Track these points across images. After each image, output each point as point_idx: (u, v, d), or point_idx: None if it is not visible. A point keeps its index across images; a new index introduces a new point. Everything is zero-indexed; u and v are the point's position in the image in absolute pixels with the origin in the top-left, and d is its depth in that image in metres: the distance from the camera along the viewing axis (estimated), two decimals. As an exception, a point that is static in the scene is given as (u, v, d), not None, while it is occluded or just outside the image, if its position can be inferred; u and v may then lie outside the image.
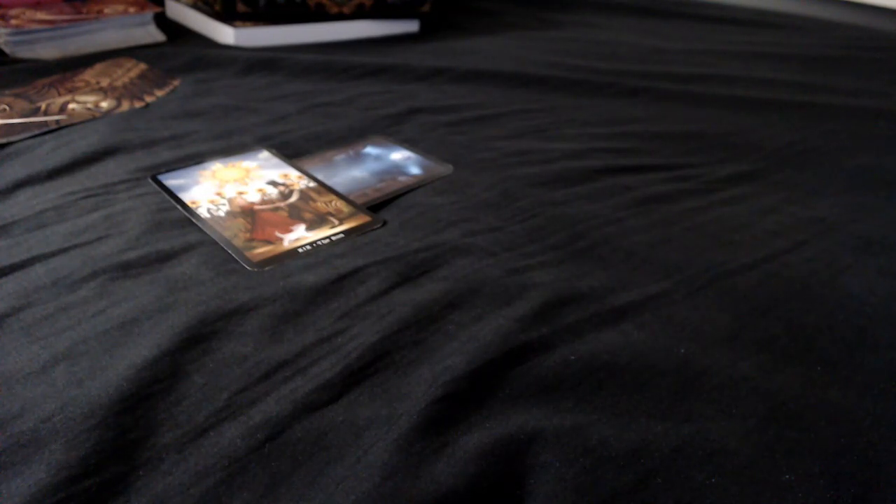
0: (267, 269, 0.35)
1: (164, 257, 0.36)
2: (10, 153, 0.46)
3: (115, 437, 0.25)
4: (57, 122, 0.50)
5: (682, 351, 0.31)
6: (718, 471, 0.25)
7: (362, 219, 0.41)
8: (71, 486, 0.23)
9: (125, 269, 0.34)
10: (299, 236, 0.38)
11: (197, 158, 0.47)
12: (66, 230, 0.38)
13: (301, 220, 0.40)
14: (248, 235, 0.38)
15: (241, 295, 0.33)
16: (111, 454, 0.25)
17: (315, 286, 0.34)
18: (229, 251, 0.36)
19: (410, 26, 0.84)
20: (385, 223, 0.40)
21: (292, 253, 0.37)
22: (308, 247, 0.37)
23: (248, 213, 0.40)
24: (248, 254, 0.36)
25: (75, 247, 0.36)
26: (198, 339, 0.30)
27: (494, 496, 0.24)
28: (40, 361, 0.28)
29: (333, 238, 0.38)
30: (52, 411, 0.26)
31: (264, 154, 0.48)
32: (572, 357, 0.30)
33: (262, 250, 0.37)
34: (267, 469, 0.24)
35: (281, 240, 0.38)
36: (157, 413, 0.26)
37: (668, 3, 1.10)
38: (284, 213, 0.40)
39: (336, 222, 0.40)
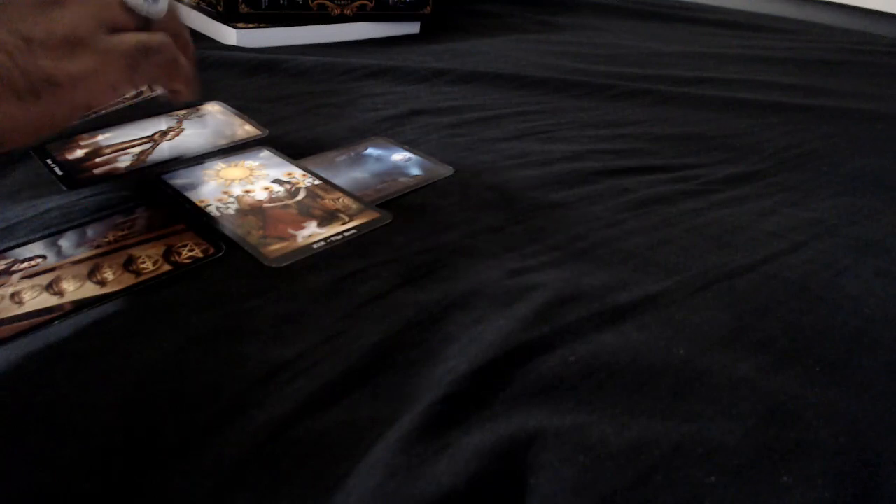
0: (284, 264, 0.36)
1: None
2: (18, 152, 0.46)
3: (118, 438, 0.25)
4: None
5: (682, 351, 0.31)
6: (717, 470, 0.25)
7: (371, 215, 0.41)
8: (73, 489, 0.23)
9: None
10: (312, 233, 0.39)
11: (200, 158, 0.47)
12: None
13: (311, 217, 0.40)
14: (261, 233, 0.38)
15: (243, 294, 0.33)
16: (114, 455, 0.25)
17: (316, 286, 0.34)
18: (244, 248, 0.37)
19: (411, 28, 0.85)
20: (394, 218, 0.41)
21: (307, 249, 0.37)
22: (322, 243, 0.38)
23: (258, 211, 0.40)
24: (263, 250, 0.37)
25: (78, 246, 0.36)
26: (200, 339, 0.30)
27: (495, 495, 0.24)
28: (42, 362, 0.29)
29: (346, 234, 0.39)
30: (55, 415, 0.26)
31: (265, 153, 0.48)
32: (572, 357, 0.30)
33: (276, 247, 0.37)
34: (269, 469, 0.25)
35: (294, 236, 0.38)
36: (159, 413, 0.26)
37: (667, 6, 1.11)
38: (294, 211, 0.41)
39: (346, 218, 0.40)
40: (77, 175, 0.43)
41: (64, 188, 0.42)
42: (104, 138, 0.48)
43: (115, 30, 0.33)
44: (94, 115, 0.50)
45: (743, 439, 0.27)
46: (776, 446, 0.27)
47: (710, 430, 0.27)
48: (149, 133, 0.48)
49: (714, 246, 0.41)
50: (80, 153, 0.46)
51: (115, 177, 0.44)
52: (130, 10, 0.35)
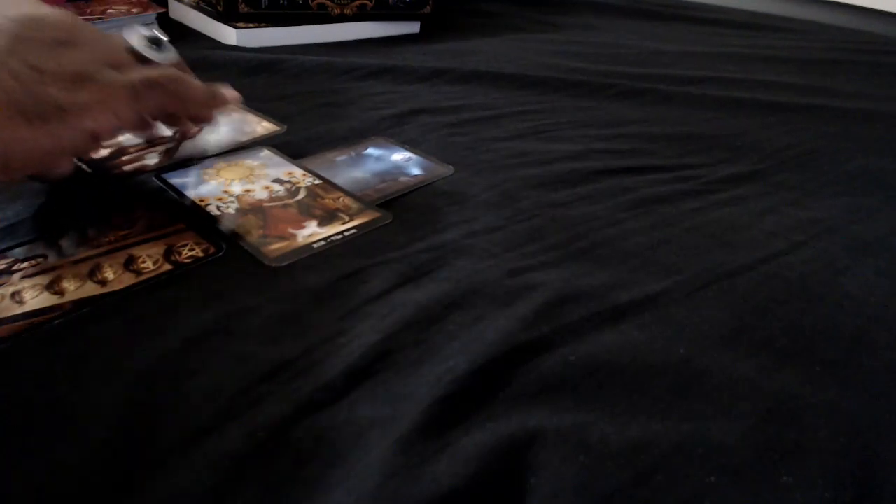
0: (285, 263, 0.36)
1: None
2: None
3: (118, 439, 0.25)
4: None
5: (682, 351, 0.31)
6: (718, 470, 0.25)
7: (371, 214, 0.41)
8: (73, 489, 0.23)
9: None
10: (312, 232, 0.39)
11: (200, 157, 0.47)
12: (69, 230, 0.38)
13: (312, 216, 0.40)
14: (261, 232, 0.38)
15: (243, 294, 0.33)
16: (114, 456, 0.25)
17: (316, 286, 0.34)
18: (245, 248, 0.37)
19: (411, 27, 0.85)
20: (394, 218, 0.41)
21: (307, 249, 0.37)
22: (323, 242, 0.38)
23: (259, 211, 0.40)
24: (263, 250, 0.37)
25: (78, 246, 0.36)
26: (200, 339, 0.30)
27: (495, 495, 0.24)
28: (42, 361, 0.29)
29: (346, 234, 0.39)
30: (55, 416, 0.26)
31: (265, 153, 0.48)
32: (572, 357, 0.30)
33: (277, 246, 0.37)
34: (269, 469, 0.25)
35: (294, 236, 0.38)
36: (159, 413, 0.26)
37: (667, 6, 1.11)
38: (294, 210, 0.41)
39: (346, 218, 0.40)
40: (107, 172, 0.44)
41: (95, 183, 0.43)
42: (125, 138, 0.48)
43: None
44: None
45: (743, 439, 0.27)
46: (776, 446, 0.27)
47: (710, 430, 0.27)
48: (169, 133, 0.49)
49: (714, 245, 0.41)
50: (104, 152, 0.46)
51: (144, 172, 0.44)
52: (138, 56, 0.37)
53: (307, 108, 0.58)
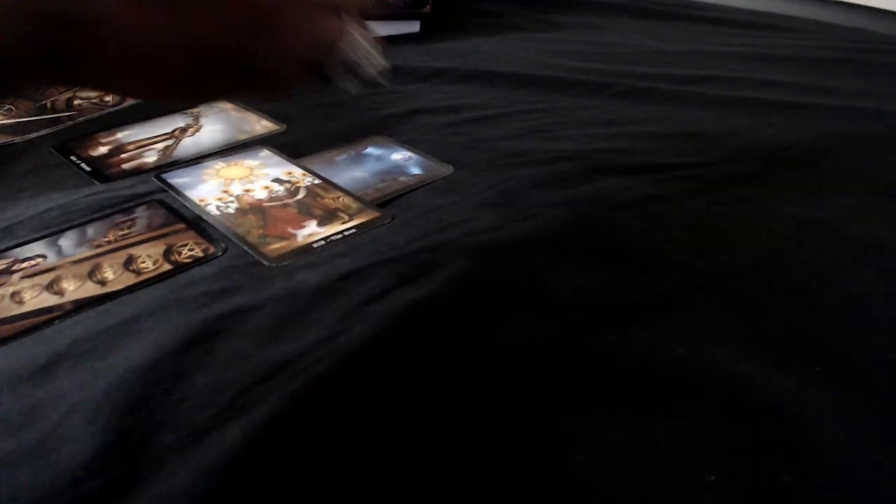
0: (284, 263, 0.36)
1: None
2: (19, 152, 0.46)
3: (119, 439, 0.25)
4: (69, 117, 0.51)
5: (682, 351, 0.31)
6: (718, 470, 0.25)
7: (371, 214, 0.41)
8: (74, 489, 0.23)
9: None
10: (312, 232, 0.39)
11: (200, 157, 0.47)
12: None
13: (311, 216, 0.40)
14: (261, 231, 0.38)
15: (243, 294, 0.33)
16: (114, 456, 0.25)
17: (316, 286, 0.34)
18: (244, 247, 0.37)
19: (411, 27, 0.85)
20: (394, 218, 0.41)
21: (307, 248, 0.37)
22: (322, 242, 0.38)
23: (258, 210, 0.40)
24: (263, 249, 0.37)
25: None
26: (200, 339, 0.30)
27: (495, 495, 0.24)
28: (42, 361, 0.29)
29: (346, 234, 0.39)
30: (56, 415, 0.26)
31: (265, 153, 0.48)
32: (573, 357, 0.30)
33: (276, 246, 0.37)
34: (269, 469, 0.25)
35: (294, 236, 0.38)
36: (160, 413, 0.26)
37: (668, 5, 1.11)
38: (294, 210, 0.41)
39: (346, 218, 0.40)
40: (105, 171, 0.44)
41: (96, 183, 0.43)
42: (123, 136, 0.48)
43: None
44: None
45: (743, 439, 0.27)
46: (776, 446, 0.27)
47: (710, 430, 0.27)
48: (168, 130, 0.49)
49: (714, 245, 0.41)
50: (103, 150, 0.46)
51: (144, 171, 0.44)
52: None
53: (307, 107, 0.57)
